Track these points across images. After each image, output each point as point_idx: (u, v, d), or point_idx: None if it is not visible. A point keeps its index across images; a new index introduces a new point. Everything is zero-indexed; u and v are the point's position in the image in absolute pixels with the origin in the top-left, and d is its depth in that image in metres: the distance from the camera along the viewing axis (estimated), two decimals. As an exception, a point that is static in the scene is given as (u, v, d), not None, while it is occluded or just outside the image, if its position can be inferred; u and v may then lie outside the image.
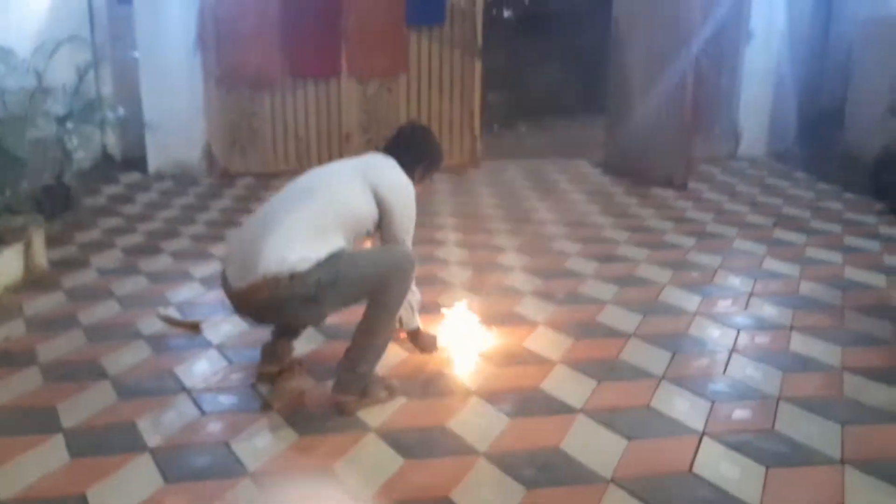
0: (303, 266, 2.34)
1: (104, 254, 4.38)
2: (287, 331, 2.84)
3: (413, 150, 2.81)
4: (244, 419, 2.59)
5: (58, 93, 4.73)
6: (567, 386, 2.79)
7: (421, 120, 6.37)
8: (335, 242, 2.46)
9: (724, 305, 3.57)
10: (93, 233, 4.79)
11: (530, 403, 2.68)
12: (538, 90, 8.20)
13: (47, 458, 2.35)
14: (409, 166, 2.76)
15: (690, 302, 3.60)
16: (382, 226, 2.64)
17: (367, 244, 2.83)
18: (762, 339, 3.21)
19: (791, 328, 3.30)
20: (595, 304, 3.59)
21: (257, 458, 2.36)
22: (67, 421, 2.57)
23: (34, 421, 2.57)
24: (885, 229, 4.83)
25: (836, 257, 4.26)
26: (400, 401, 2.70)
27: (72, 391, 2.77)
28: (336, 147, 6.43)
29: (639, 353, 3.06)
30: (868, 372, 2.89)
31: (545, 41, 8.12)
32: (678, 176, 6.00)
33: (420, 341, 3.08)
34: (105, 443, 2.45)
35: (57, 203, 4.99)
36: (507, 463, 2.31)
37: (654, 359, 3.00)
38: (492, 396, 2.72)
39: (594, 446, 2.40)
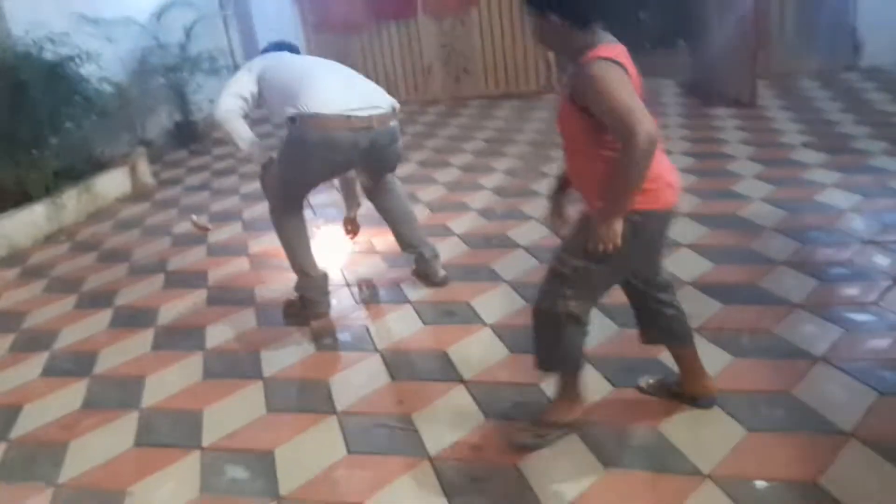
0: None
1: (197, 175, 5.63)
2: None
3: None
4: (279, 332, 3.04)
5: (173, 48, 6.03)
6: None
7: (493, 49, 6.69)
8: None
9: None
10: (204, 159, 6.09)
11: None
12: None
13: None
14: None
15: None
16: None
17: None
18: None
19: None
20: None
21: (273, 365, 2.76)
22: (85, 287, 3.76)
23: (63, 284, 3.83)
24: None
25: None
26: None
27: (100, 269, 3.99)
28: (420, 79, 7.05)
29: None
30: None
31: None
32: (744, 93, 5.61)
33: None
34: (94, 302, 3.55)
35: (185, 136, 6.41)
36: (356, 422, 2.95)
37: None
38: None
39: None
